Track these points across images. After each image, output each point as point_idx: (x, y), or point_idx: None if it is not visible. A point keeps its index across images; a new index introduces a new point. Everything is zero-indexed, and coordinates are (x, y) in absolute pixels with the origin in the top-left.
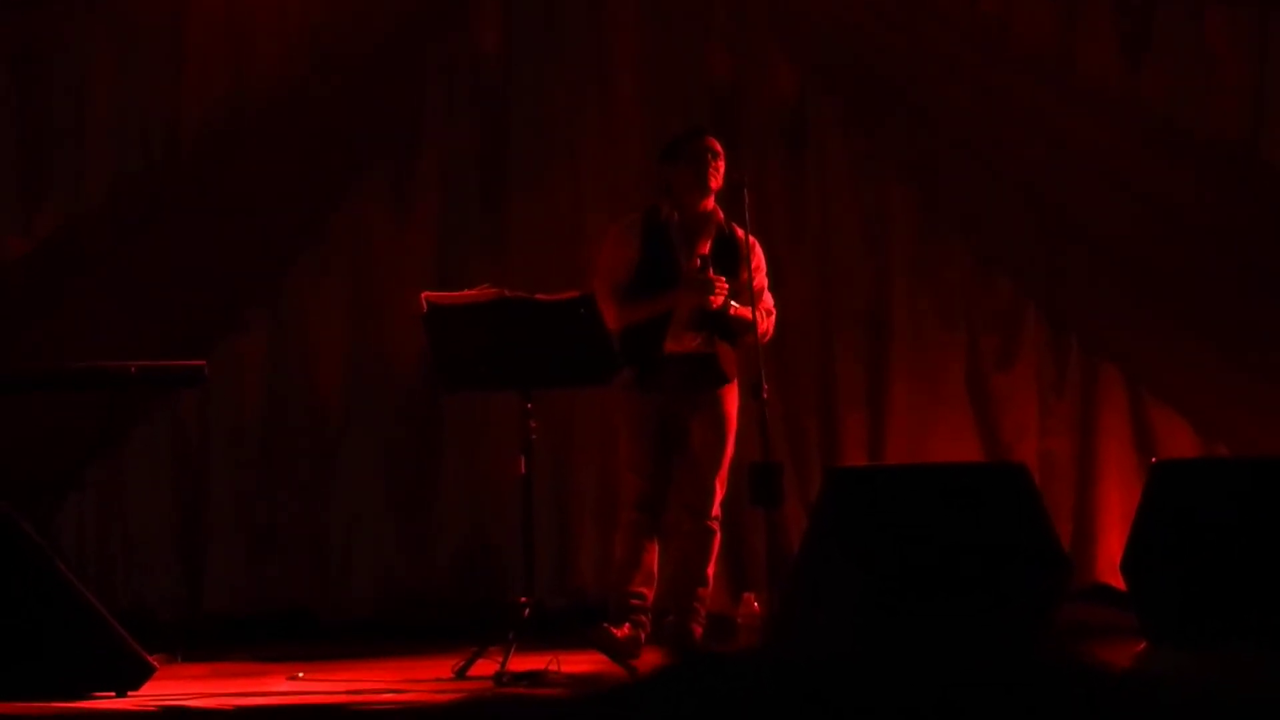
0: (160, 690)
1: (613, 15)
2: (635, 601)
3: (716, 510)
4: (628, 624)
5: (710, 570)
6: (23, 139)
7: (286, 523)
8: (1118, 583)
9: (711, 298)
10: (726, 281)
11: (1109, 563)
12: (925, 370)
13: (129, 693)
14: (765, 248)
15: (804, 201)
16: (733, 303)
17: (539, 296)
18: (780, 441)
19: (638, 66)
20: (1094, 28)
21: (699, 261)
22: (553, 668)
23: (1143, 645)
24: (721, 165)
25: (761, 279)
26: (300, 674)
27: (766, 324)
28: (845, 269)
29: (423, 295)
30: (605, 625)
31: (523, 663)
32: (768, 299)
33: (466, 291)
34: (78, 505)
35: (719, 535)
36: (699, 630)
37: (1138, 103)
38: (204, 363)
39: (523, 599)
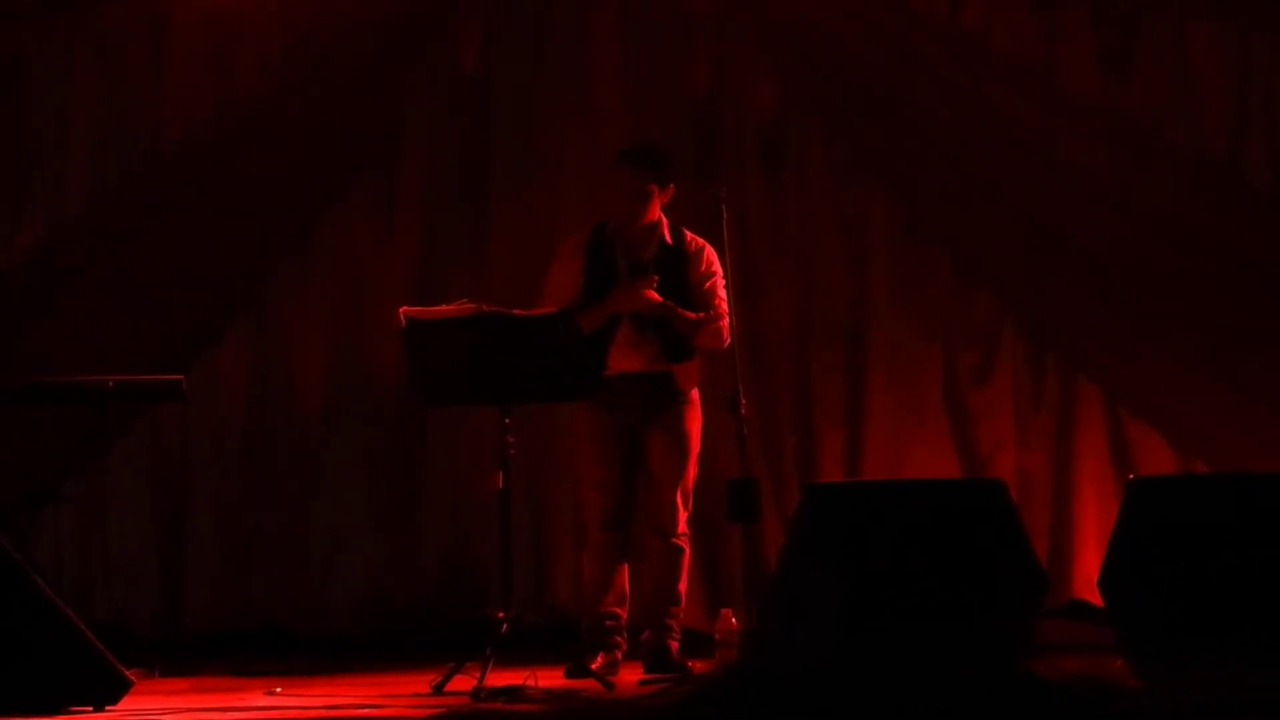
0: (137, 705)
1: (594, 29)
2: (610, 623)
3: (683, 528)
4: (602, 653)
5: (682, 587)
6: (3, 151)
7: (266, 536)
8: (1095, 599)
9: (645, 291)
10: (671, 288)
11: (1086, 579)
12: (903, 385)
13: (106, 708)
14: (744, 261)
15: (783, 215)
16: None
17: (517, 312)
18: (758, 457)
19: (619, 79)
20: (1075, 41)
21: (635, 268)
22: (530, 683)
23: (1120, 661)
24: (640, 191)
25: (713, 283)
26: (278, 689)
27: (719, 324)
28: (824, 283)
29: (400, 311)
30: (584, 661)
31: (500, 678)
32: (721, 303)
33: (444, 307)
34: (56, 519)
35: (688, 551)
36: (675, 645)
37: (1119, 117)
38: (182, 377)
39: (500, 614)
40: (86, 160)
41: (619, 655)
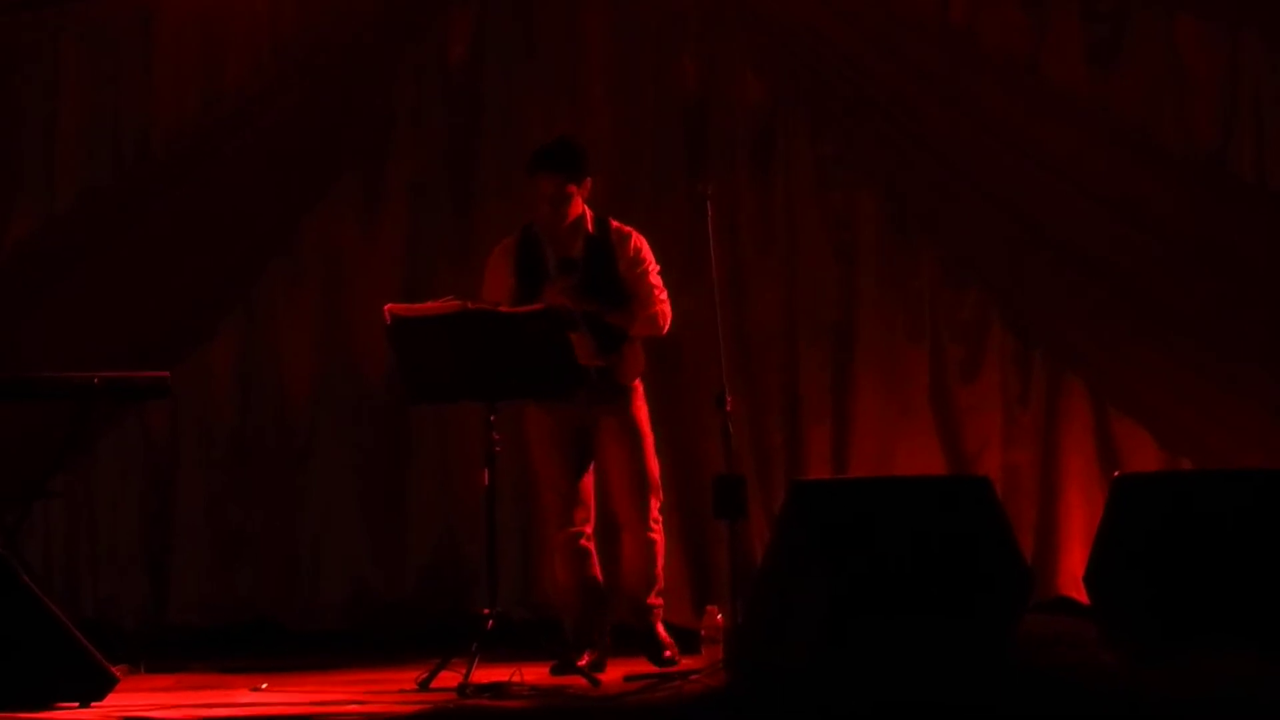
0: (123, 701)
1: (583, 26)
2: (590, 622)
3: (653, 515)
4: (588, 651)
5: (659, 570)
6: None
7: (254, 532)
8: (1080, 596)
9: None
10: (601, 279)
11: (1071, 576)
12: (890, 382)
13: (92, 704)
14: (731, 257)
15: (770, 212)
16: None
17: (502, 308)
18: (744, 453)
19: (607, 76)
20: (1063, 37)
21: (564, 264)
22: (516, 679)
23: (1106, 657)
24: (561, 194)
25: (643, 269)
26: (263, 685)
27: (651, 312)
28: (811, 279)
29: (386, 308)
30: (569, 657)
31: (486, 674)
32: (653, 286)
33: (429, 304)
34: (44, 514)
35: (660, 541)
36: (661, 628)
37: (1106, 112)
38: (168, 374)
39: (486, 610)
40: (75, 155)
41: (604, 651)
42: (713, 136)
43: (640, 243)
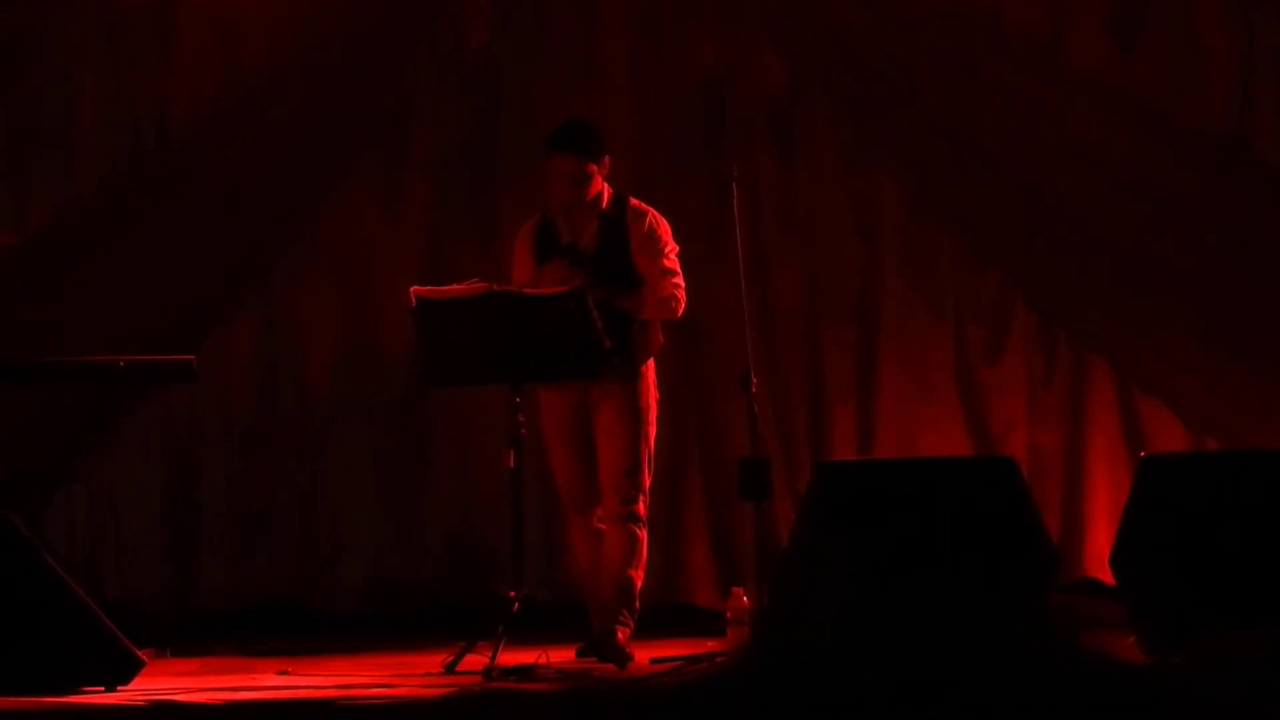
0: (149, 685)
1: (602, 7)
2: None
3: (639, 509)
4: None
5: (635, 572)
6: (11, 129)
7: (276, 515)
8: (1107, 577)
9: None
10: (614, 259)
11: (1098, 556)
12: (914, 363)
13: (118, 687)
14: (754, 239)
15: (793, 194)
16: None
17: (527, 290)
18: (769, 435)
19: (627, 56)
20: (1084, 17)
21: (573, 256)
22: (542, 661)
23: (1132, 638)
24: (580, 174)
25: (657, 250)
26: (288, 669)
27: (662, 296)
28: (834, 262)
29: (411, 290)
30: (594, 639)
31: (512, 657)
32: (667, 267)
33: (455, 286)
34: (68, 499)
35: (643, 534)
36: (623, 635)
37: (1127, 92)
38: (193, 357)
39: (511, 593)
40: (95, 138)
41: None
42: (733, 117)
43: (656, 222)
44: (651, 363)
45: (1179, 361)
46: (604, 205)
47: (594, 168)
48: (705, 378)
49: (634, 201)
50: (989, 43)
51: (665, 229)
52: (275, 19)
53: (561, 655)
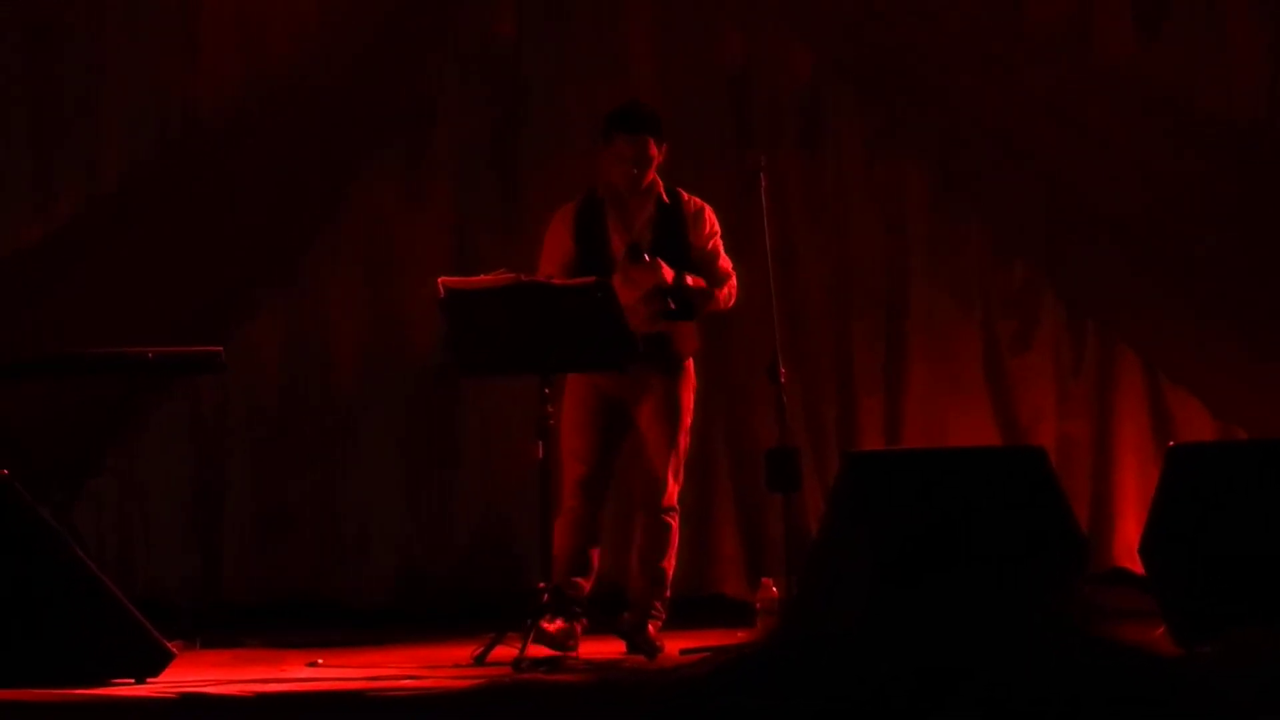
0: (179, 677)
1: None
2: (571, 593)
3: (672, 502)
4: (561, 619)
5: (668, 564)
6: (37, 120)
7: (303, 507)
8: (1136, 567)
9: (652, 277)
10: (669, 249)
11: (1127, 546)
12: (942, 354)
13: (148, 679)
14: (781, 230)
15: (819, 185)
16: (687, 276)
17: (555, 281)
18: (797, 426)
19: (651, 45)
20: (1109, 5)
21: (630, 249)
22: (571, 654)
23: (1161, 628)
24: (645, 155)
25: (715, 244)
26: (319, 660)
27: (727, 288)
28: (861, 252)
29: (439, 280)
30: (541, 622)
31: (541, 649)
32: (725, 264)
33: (483, 276)
34: (96, 491)
35: (676, 528)
36: (654, 629)
37: (1154, 82)
38: (221, 349)
39: (540, 584)
40: (120, 131)
41: (578, 627)
42: (760, 108)
43: (712, 216)
44: (691, 358)
45: (1207, 351)
46: (662, 193)
47: (657, 150)
48: (733, 369)
49: (685, 194)
50: (1013, 32)
51: (717, 223)
52: (300, 11)
53: (590, 647)
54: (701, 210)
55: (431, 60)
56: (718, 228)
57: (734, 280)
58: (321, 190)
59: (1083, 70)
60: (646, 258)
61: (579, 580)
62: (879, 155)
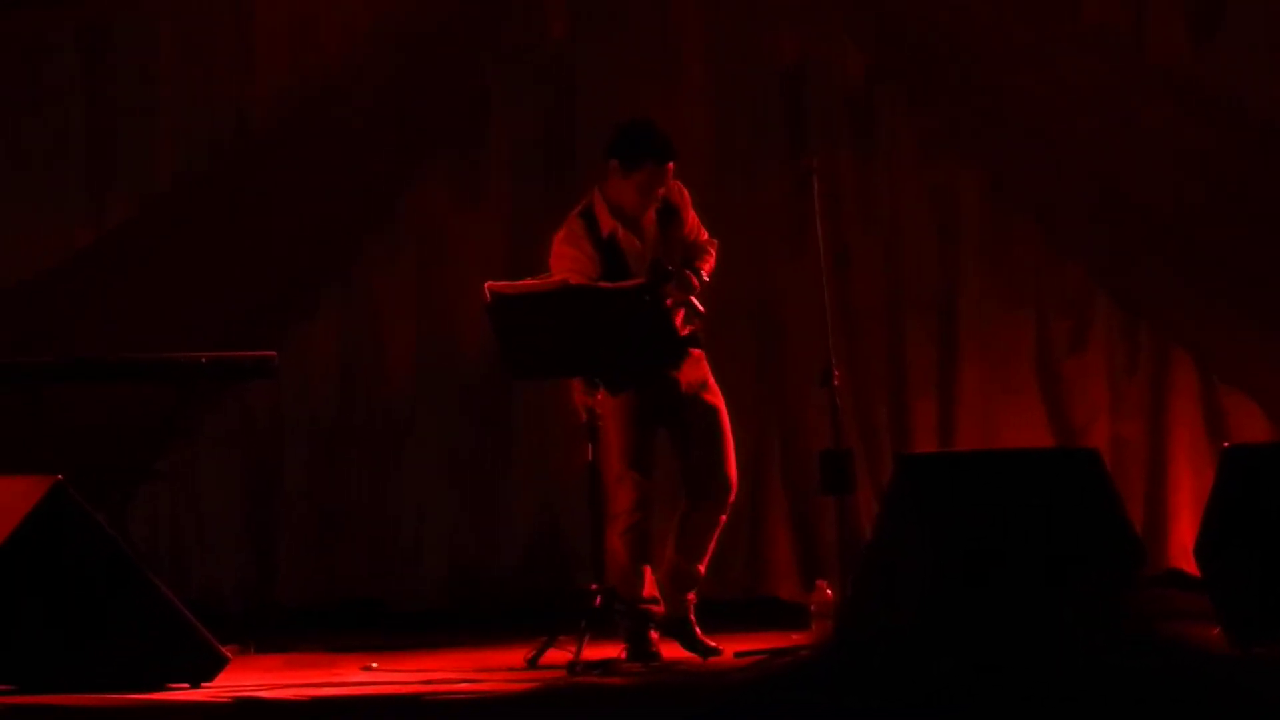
0: (234, 681)
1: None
2: (650, 608)
3: (734, 497)
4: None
5: (706, 561)
6: (91, 126)
7: (356, 511)
8: (1191, 568)
9: (683, 292)
10: (673, 241)
11: (1182, 548)
12: (995, 355)
13: (203, 684)
14: (834, 232)
15: (872, 186)
16: (701, 271)
17: (602, 284)
18: (851, 428)
19: (705, 51)
20: (1164, 8)
21: (654, 269)
22: (624, 656)
23: (1217, 630)
24: (668, 181)
25: (695, 218)
26: (374, 664)
27: (712, 259)
28: (914, 254)
29: (486, 285)
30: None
31: (594, 651)
32: (704, 234)
33: (530, 280)
34: (150, 495)
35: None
36: (693, 618)
37: (1208, 84)
38: (274, 354)
39: (593, 586)
40: (172, 138)
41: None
42: (812, 110)
43: (684, 189)
44: None
45: (1258, 354)
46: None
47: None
48: (787, 371)
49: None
50: (1068, 34)
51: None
52: (352, 13)
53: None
54: (682, 190)
55: (484, 61)
56: (689, 196)
57: (715, 245)
58: (375, 192)
59: (1137, 72)
60: (670, 269)
61: (653, 593)
62: (931, 156)
